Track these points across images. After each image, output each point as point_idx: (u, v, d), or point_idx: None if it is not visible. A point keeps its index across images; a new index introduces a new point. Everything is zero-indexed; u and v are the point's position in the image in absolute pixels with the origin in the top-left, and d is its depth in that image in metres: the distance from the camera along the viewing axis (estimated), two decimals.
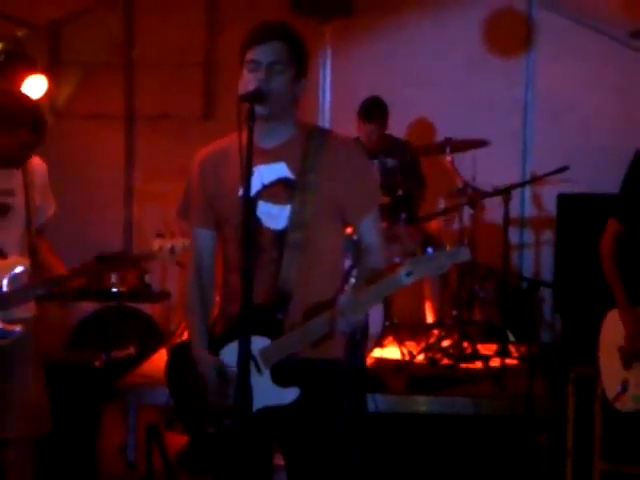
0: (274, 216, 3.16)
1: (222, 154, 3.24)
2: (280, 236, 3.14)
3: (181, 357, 3.36)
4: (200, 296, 3.36)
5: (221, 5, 8.04)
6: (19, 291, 4.09)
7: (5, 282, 4.06)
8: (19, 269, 4.10)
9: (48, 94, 7.00)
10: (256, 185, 3.16)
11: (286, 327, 3.10)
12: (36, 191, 4.27)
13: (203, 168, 3.33)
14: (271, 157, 3.19)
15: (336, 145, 3.24)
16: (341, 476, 3.24)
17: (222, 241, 3.34)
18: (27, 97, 4.33)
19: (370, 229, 3.26)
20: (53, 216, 4.46)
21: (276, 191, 3.17)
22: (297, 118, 3.27)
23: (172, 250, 3.87)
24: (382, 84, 7.48)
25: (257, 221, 3.16)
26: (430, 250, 2.96)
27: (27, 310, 4.20)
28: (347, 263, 3.43)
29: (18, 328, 4.06)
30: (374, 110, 6.68)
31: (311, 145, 3.20)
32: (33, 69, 6.57)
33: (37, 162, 4.35)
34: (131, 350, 5.97)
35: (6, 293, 4.05)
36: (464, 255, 2.93)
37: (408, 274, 2.91)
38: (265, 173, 3.18)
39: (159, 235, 3.90)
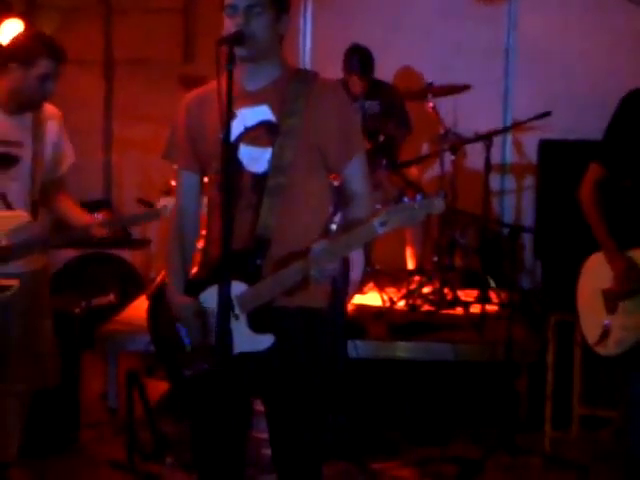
0: (255, 159, 3.12)
1: (207, 97, 3.19)
2: (260, 180, 3.11)
3: (159, 301, 3.35)
4: (181, 239, 3.34)
5: None
6: (19, 246, 4.07)
7: (5, 236, 4.04)
8: (21, 223, 4.07)
9: None
10: (238, 128, 3.13)
11: (265, 273, 3.08)
12: (48, 144, 4.23)
13: (188, 110, 3.29)
14: (254, 99, 3.15)
15: (320, 89, 3.19)
16: (318, 423, 3.25)
17: (206, 184, 3.32)
18: (36, 30, 4.24)
19: (354, 175, 3.22)
20: (72, 166, 4.41)
21: (258, 134, 3.13)
22: (283, 59, 3.24)
23: None
24: (363, 29, 7.44)
25: (238, 164, 3.13)
26: (405, 199, 2.94)
27: (31, 263, 4.18)
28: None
29: (14, 283, 4.05)
30: (367, 63, 6.67)
31: (295, 88, 3.15)
32: (10, 13, 6.48)
33: (52, 111, 4.30)
34: (111, 297, 5.96)
35: (4, 247, 4.03)
36: (438, 206, 2.91)
37: (382, 224, 2.90)
38: (248, 116, 3.14)
39: (165, 192, 3.85)
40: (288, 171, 3.09)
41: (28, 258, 4.14)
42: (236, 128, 3.11)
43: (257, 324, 3.10)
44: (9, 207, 4.09)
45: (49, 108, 4.28)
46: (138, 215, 4.61)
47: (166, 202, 3.88)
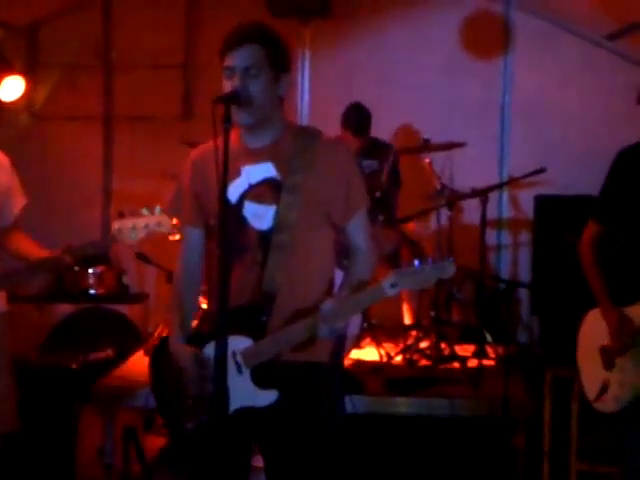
0: (259, 216, 3.16)
1: (211, 154, 3.23)
2: (265, 237, 3.15)
3: (161, 353, 3.36)
4: (185, 292, 3.37)
5: (199, 7, 8.03)
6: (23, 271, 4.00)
7: None
8: None
9: (26, 95, 6.97)
10: (243, 185, 3.18)
11: (269, 329, 3.11)
12: None
13: (194, 166, 3.34)
14: (258, 157, 3.19)
15: (324, 147, 3.24)
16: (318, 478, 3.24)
17: (208, 240, 3.35)
18: None
19: (357, 231, 3.27)
20: (24, 208, 4.34)
21: (262, 191, 3.17)
22: (284, 117, 3.28)
23: (133, 230, 3.65)
24: (360, 85, 7.51)
25: (243, 221, 3.17)
26: (417, 263, 2.97)
27: None
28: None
29: None
30: (362, 123, 6.71)
31: (299, 145, 3.20)
32: (11, 70, 6.54)
33: (0, 157, 4.22)
34: (109, 352, 5.94)
35: None
36: (450, 270, 2.96)
37: (392, 285, 2.94)
38: (252, 173, 3.19)
39: (120, 214, 3.70)
40: (293, 228, 3.13)
41: None
42: (240, 185, 3.16)
43: (261, 379, 3.11)
44: None
45: None
46: (96, 242, 4.45)
47: (120, 225, 3.74)
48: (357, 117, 6.71)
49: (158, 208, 3.48)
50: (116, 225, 3.59)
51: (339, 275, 3.35)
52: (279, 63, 3.17)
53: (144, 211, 3.55)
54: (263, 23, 3.22)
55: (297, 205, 3.14)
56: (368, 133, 6.77)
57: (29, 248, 4.20)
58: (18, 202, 4.30)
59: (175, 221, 3.51)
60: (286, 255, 3.13)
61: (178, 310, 3.35)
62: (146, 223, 3.52)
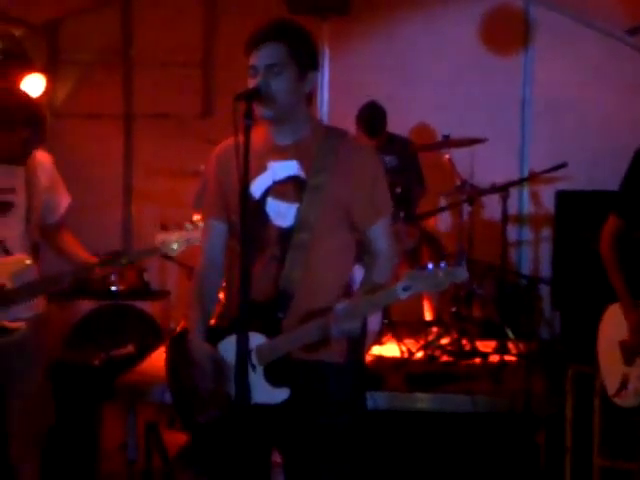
0: (282, 214, 3.16)
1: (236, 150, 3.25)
2: (285, 234, 3.15)
3: (177, 346, 3.38)
4: (205, 287, 3.37)
5: (218, 4, 8.05)
6: (23, 289, 4.10)
7: (8, 280, 4.07)
8: (22, 267, 4.11)
9: (46, 93, 7.01)
10: (267, 181, 3.18)
11: (285, 326, 3.11)
12: (41, 189, 4.26)
13: (219, 161, 3.34)
14: (284, 154, 3.19)
15: (350, 148, 3.24)
16: (336, 477, 3.25)
17: (230, 236, 3.35)
18: (26, 94, 4.32)
19: (379, 236, 3.26)
20: (69, 207, 4.46)
21: (286, 189, 3.18)
22: (311, 115, 3.28)
23: (177, 242, 3.78)
24: (379, 82, 7.50)
25: (265, 217, 3.18)
26: (430, 266, 2.97)
27: (33, 308, 4.21)
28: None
29: (21, 326, 4.08)
30: (377, 125, 6.70)
31: (325, 146, 3.19)
32: (31, 68, 6.58)
33: (42, 157, 4.33)
34: (130, 349, 5.97)
35: (9, 291, 4.07)
36: (462, 275, 2.96)
37: (405, 288, 2.94)
38: (277, 170, 3.19)
39: (163, 227, 3.81)
40: (314, 227, 3.12)
41: (32, 302, 4.18)
42: (265, 181, 3.16)
43: (274, 377, 3.11)
44: (7, 253, 4.13)
45: (40, 154, 4.31)
46: (139, 251, 4.59)
47: (164, 238, 3.83)
48: (371, 118, 6.71)
49: (201, 223, 3.53)
50: (160, 238, 3.71)
51: (359, 271, 3.35)
52: (305, 60, 3.15)
53: (188, 225, 3.64)
54: (289, 20, 3.22)
55: (319, 205, 3.14)
56: (383, 133, 6.76)
57: (74, 248, 4.36)
58: (63, 200, 4.40)
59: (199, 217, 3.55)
60: (305, 254, 3.13)
61: (198, 305, 3.34)
62: (188, 237, 3.63)
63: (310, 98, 3.26)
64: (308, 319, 3.10)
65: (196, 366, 3.22)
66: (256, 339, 3.08)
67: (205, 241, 3.42)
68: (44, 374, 4.35)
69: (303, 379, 3.15)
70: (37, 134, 4.17)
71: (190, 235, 3.69)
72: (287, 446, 3.26)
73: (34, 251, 4.26)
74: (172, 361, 3.42)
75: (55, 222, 4.40)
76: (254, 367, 3.10)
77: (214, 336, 3.23)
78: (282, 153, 3.20)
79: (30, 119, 4.12)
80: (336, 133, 3.29)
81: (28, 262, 4.15)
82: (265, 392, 3.11)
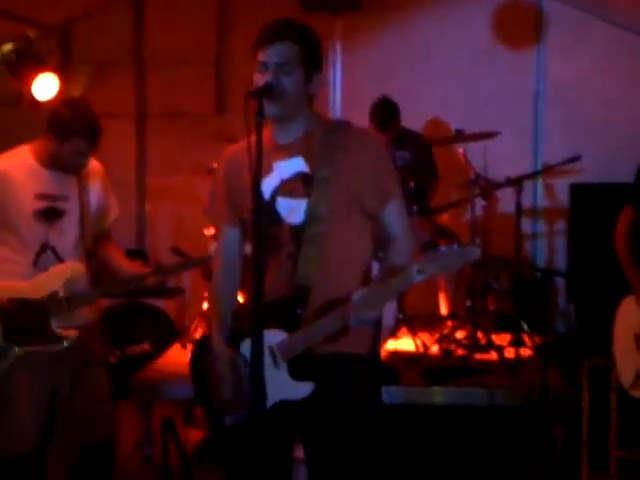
0: (292, 210, 3.17)
1: (244, 152, 3.21)
2: (298, 230, 3.16)
3: (204, 348, 3.39)
4: (224, 292, 3.40)
5: (231, 2, 8.05)
6: (76, 296, 4.13)
7: (61, 287, 4.09)
8: (75, 274, 4.13)
9: (59, 93, 7.02)
10: (275, 181, 3.20)
11: (304, 321, 3.12)
12: (92, 196, 4.29)
13: (227, 165, 3.36)
14: (288, 152, 3.21)
15: (353, 137, 3.24)
16: (360, 470, 3.25)
17: (245, 237, 3.38)
18: (83, 106, 4.30)
19: (393, 219, 3.26)
20: (116, 218, 4.49)
21: (294, 186, 3.19)
22: (313, 113, 3.28)
23: None
24: (392, 78, 7.50)
25: (277, 216, 3.19)
26: (442, 248, 2.97)
27: (85, 315, 4.24)
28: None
29: (73, 333, 4.10)
30: (387, 118, 6.71)
31: (328, 138, 3.20)
32: (44, 68, 6.58)
33: (93, 165, 4.36)
34: (146, 346, 5.98)
35: (62, 298, 4.09)
36: (475, 254, 2.96)
37: (419, 272, 2.95)
38: (283, 168, 3.20)
39: (215, 238, 3.87)
40: (325, 220, 3.13)
41: (84, 308, 4.21)
42: (272, 181, 3.18)
43: (297, 372, 3.12)
44: (60, 260, 4.15)
45: (92, 163, 4.34)
46: (188, 261, 4.66)
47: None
48: (382, 111, 6.72)
49: None
50: (213, 247, 3.75)
51: (376, 268, 3.36)
52: (312, 62, 3.17)
53: None
54: (298, 20, 3.23)
55: (328, 197, 3.14)
56: (395, 126, 6.76)
57: (119, 260, 4.40)
58: (113, 210, 4.45)
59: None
60: (319, 248, 3.14)
61: (217, 309, 3.39)
62: None
63: (312, 98, 3.27)
64: (327, 311, 3.10)
65: (220, 370, 3.24)
66: (277, 336, 3.09)
67: (220, 247, 3.45)
68: (105, 381, 4.38)
69: (327, 372, 3.16)
70: (91, 146, 4.17)
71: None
72: (311, 440, 3.26)
73: (87, 259, 4.27)
74: (199, 362, 3.44)
75: (102, 231, 4.43)
76: (277, 364, 3.11)
77: (236, 337, 3.25)
78: (285, 151, 3.21)
79: (86, 130, 4.12)
80: (338, 124, 3.31)
81: (81, 270, 4.18)
82: (290, 388, 3.12)
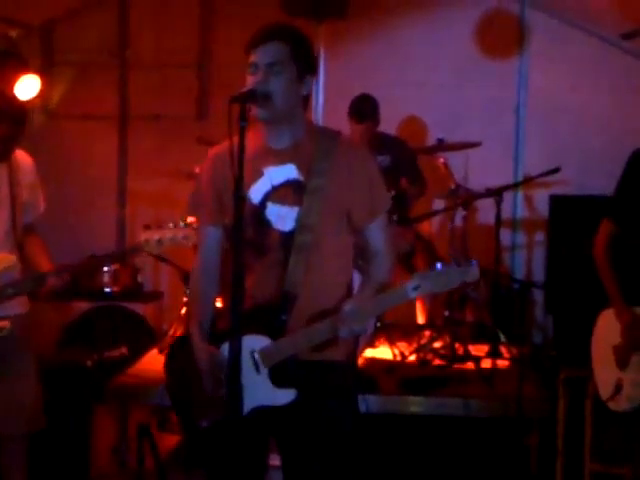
0: (282, 217, 3.18)
1: (230, 152, 3.25)
2: (287, 238, 3.16)
3: (179, 349, 3.39)
4: (203, 292, 3.39)
5: (215, 6, 8.04)
6: (7, 287, 4.09)
7: None
8: (6, 265, 4.11)
9: (41, 94, 6.99)
10: (265, 186, 3.20)
11: (289, 328, 3.12)
12: (22, 187, 4.27)
13: (214, 164, 3.34)
14: (280, 158, 3.21)
15: (346, 149, 3.25)
16: (337, 478, 3.25)
17: (227, 238, 3.36)
18: (5, 91, 4.30)
19: (377, 234, 3.28)
20: (43, 213, 4.46)
21: (285, 193, 3.19)
22: (306, 119, 3.29)
23: (159, 242, 3.79)
24: (375, 85, 7.48)
25: (266, 222, 3.19)
26: (439, 265, 2.98)
27: (18, 306, 4.21)
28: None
29: (5, 325, 4.08)
30: (364, 109, 6.67)
31: (320, 147, 3.21)
32: (26, 69, 6.56)
33: (23, 158, 4.35)
34: (123, 350, 5.97)
35: None
36: (474, 273, 2.97)
37: (415, 288, 2.97)
38: (274, 174, 3.20)
39: (146, 227, 3.84)
40: (315, 229, 3.14)
41: (16, 300, 4.17)
42: (263, 186, 3.18)
43: (279, 378, 3.12)
44: None
45: (21, 154, 4.33)
46: (123, 251, 4.56)
47: (146, 236, 3.85)
48: (359, 103, 6.69)
49: (183, 222, 3.56)
50: (143, 237, 3.73)
51: (355, 276, 3.37)
52: (304, 63, 3.18)
53: (170, 225, 3.67)
54: (290, 24, 3.24)
55: (319, 207, 3.15)
56: (372, 121, 6.70)
57: (38, 257, 4.31)
58: (41, 202, 4.41)
59: (192, 220, 3.56)
60: (308, 256, 3.15)
61: (197, 309, 3.38)
62: (173, 236, 3.66)
63: (307, 102, 3.27)
64: (313, 320, 3.12)
65: (198, 370, 3.22)
66: (260, 342, 3.10)
67: (201, 247, 3.43)
68: (32, 375, 4.34)
69: (309, 380, 3.17)
70: (18, 131, 4.17)
71: (175, 233, 3.71)
72: (289, 446, 3.26)
73: (19, 250, 4.24)
74: (173, 366, 3.42)
75: (28, 224, 4.40)
76: (258, 369, 3.11)
77: (217, 339, 3.24)
78: (278, 157, 3.21)
79: (10, 116, 4.11)
80: (330, 134, 3.31)
81: (13, 260, 4.15)
82: (270, 394, 3.13)
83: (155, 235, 3.77)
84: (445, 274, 2.98)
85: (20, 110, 4.21)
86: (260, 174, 3.20)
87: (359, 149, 3.37)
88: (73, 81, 8.06)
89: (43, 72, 7.27)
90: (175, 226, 3.72)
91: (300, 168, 3.19)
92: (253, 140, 3.08)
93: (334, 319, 3.04)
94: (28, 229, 4.40)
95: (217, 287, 3.44)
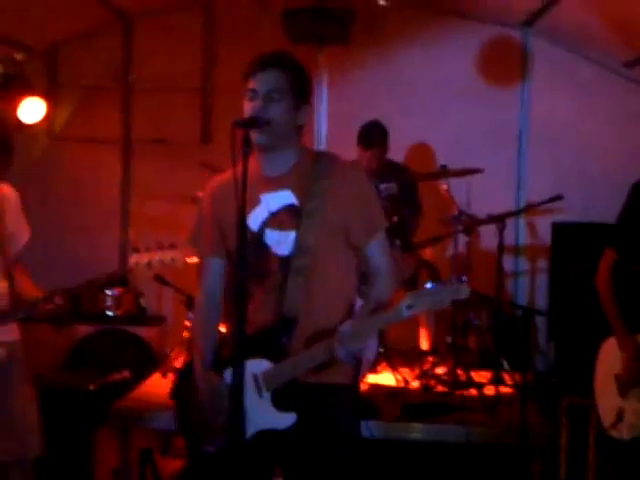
0: (280, 242, 3.20)
1: (231, 183, 3.21)
2: (286, 261, 3.19)
3: (186, 376, 3.39)
4: (206, 322, 3.42)
5: (218, 30, 8.07)
6: (1, 313, 4.09)
7: None
8: None
9: (46, 117, 7.04)
10: (263, 213, 3.22)
11: (290, 351, 3.13)
12: (8, 219, 4.27)
13: (214, 197, 3.38)
14: (277, 185, 3.23)
15: (341, 170, 3.27)
16: None
17: (230, 266, 3.39)
18: None
19: (376, 252, 3.31)
20: (28, 242, 4.45)
21: (283, 218, 3.21)
22: (301, 146, 3.31)
23: (149, 265, 3.78)
24: (378, 112, 7.51)
25: (265, 248, 3.22)
26: (430, 284, 3.01)
27: (9, 334, 4.20)
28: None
29: (2, 352, 4.08)
30: (373, 135, 6.69)
31: (316, 171, 3.23)
32: (31, 92, 6.60)
33: (7, 190, 4.34)
34: (126, 374, 5.96)
35: None
36: (464, 291, 2.98)
37: (408, 307, 2.98)
38: (271, 201, 3.23)
39: (135, 250, 3.84)
40: (312, 252, 3.16)
41: (9, 327, 4.17)
42: (260, 213, 3.20)
43: (280, 402, 3.13)
44: None
45: (4, 187, 4.33)
46: (107, 275, 4.53)
47: (136, 259, 3.84)
48: (368, 130, 6.71)
49: (171, 246, 3.58)
50: (133, 260, 3.74)
51: (359, 304, 3.38)
52: (301, 92, 3.21)
53: (160, 247, 3.69)
54: (290, 52, 3.26)
55: (316, 229, 3.17)
56: (381, 148, 6.70)
57: (24, 286, 4.29)
58: (25, 232, 4.41)
59: (193, 254, 3.58)
60: (306, 279, 3.17)
61: (201, 339, 3.40)
62: (161, 259, 3.65)
63: (301, 131, 3.29)
64: (312, 342, 3.12)
65: (202, 398, 3.24)
66: (262, 365, 3.11)
67: (204, 278, 3.46)
68: (30, 401, 4.32)
69: (310, 403, 3.18)
70: (3, 158, 4.17)
71: (163, 256, 3.70)
72: (292, 470, 3.28)
73: (10, 279, 4.24)
74: (181, 392, 3.44)
75: (15, 254, 4.38)
76: (261, 393, 3.12)
77: (220, 366, 3.26)
78: (273, 184, 3.24)
79: None
80: (325, 157, 3.33)
81: (4, 289, 4.15)
82: (272, 418, 3.14)
83: (144, 258, 3.76)
84: (437, 292, 3.00)
85: (5, 137, 4.21)
86: (257, 201, 3.22)
87: (353, 169, 3.38)
88: (78, 105, 8.08)
89: (48, 96, 7.30)
90: (162, 248, 3.72)
91: (297, 193, 3.22)
92: (250, 168, 3.10)
93: (331, 340, 3.05)
94: (15, 260, 4.38)
95: (219, 317, 3.48)
